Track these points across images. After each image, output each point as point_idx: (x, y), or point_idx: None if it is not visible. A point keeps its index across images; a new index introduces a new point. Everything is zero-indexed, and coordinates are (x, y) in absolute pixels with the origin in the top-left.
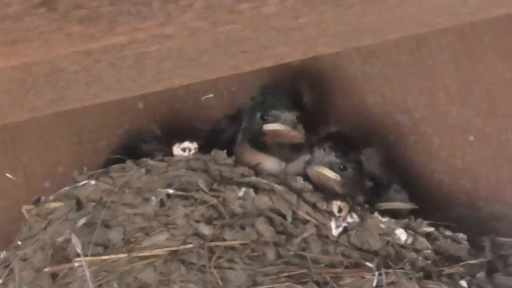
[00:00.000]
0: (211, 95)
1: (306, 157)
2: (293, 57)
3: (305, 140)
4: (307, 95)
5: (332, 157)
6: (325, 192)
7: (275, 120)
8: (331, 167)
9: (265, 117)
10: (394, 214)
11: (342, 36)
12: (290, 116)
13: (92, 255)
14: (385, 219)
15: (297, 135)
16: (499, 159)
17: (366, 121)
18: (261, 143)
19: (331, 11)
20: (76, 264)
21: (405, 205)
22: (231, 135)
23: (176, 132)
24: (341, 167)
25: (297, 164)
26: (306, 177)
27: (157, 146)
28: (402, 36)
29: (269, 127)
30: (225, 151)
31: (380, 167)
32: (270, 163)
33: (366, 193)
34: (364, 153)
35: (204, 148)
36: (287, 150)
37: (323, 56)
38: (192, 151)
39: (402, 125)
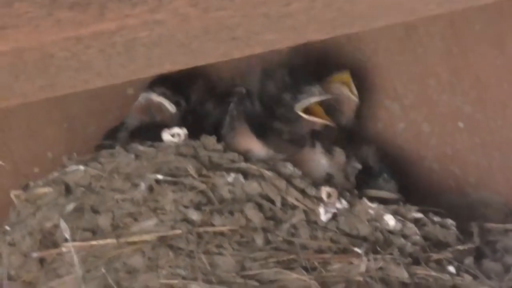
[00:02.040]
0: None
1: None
2: (283, 44)
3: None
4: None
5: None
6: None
7: (309, 95)
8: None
9: (295, 98)
10: (381, 202)
11: (332, 23)
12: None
13: (80, 240)
14: (373, 205)
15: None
16: (488, 146)
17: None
18: (262, 128)
19: None
20: (64, 250)
21: (392, 195)
22: (218, 118)
23: None
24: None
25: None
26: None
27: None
28: (392, 24)
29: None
30: (214, 136)
31: (374, 148)
32: (261, 150)
33: (353, 172)
34: None
35: (189, 131)
36: (285, 144)
37: (312, 43)
38: (182, 137)
39: (391, 112)
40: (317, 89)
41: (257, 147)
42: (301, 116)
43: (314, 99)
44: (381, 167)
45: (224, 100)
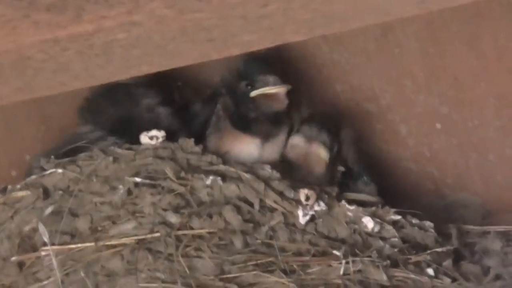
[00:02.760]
0: (180, 83)
1: (286, 131)
2: (260, 45)
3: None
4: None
5: (324, 136)
6: (303, 171)
7: (264, 84)
8: (324, 145)
9: (251, 86)
10: (360, 205)
11: (309, 24)
12: (276, 79)
13: (59, 244)
14: (352, 207)
15: (284, 98)
16: (466, 147)
17: (333, 109)
18: (242, 121)
19: None
20: (43, 253)
21: (371, 198)
22: (205, 119)
23: None
24: (330, 147)
25: (277, 141)
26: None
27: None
28: (369, 24)
29: (259, 92)
30: (192, 139)
31: (354, 149)
32: (250, 145)
33: (337, 177)
34: (343, 133)
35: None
36: (268, 125)
37: (290, 44)
38: (160, 140)
39: (369, 113)
40: (272, 78)
41: (247, 144)
42: (257, 102)
43: (268, 89)
44: (360, 169)
45: (211, 100)
